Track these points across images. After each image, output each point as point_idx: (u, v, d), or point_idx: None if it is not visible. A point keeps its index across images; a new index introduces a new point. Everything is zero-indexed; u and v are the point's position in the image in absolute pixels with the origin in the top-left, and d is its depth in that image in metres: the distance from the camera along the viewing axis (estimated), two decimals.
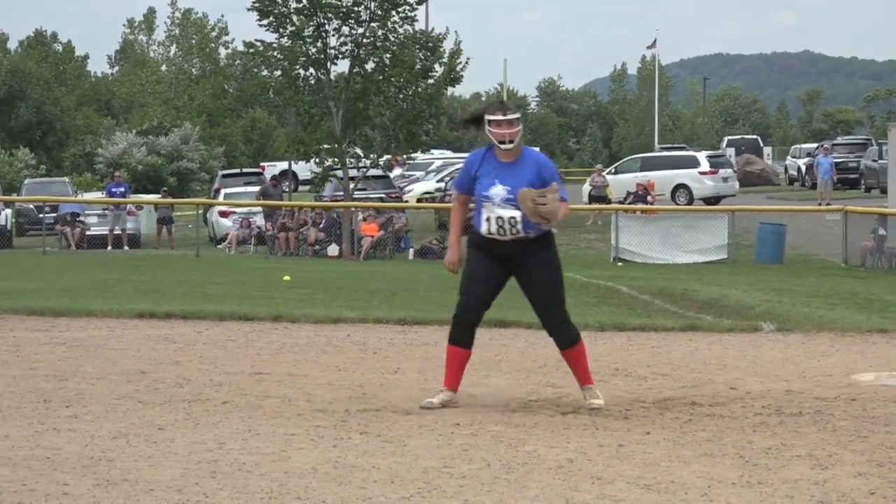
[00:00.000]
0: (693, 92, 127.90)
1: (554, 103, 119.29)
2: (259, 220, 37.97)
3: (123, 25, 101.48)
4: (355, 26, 36.51)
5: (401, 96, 36.89)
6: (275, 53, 36.58)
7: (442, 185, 49.03)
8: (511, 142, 9.60)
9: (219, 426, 8.83)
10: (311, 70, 36.82)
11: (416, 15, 37.20)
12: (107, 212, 39.27)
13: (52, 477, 7.25)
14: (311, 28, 36.43)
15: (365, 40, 36.45)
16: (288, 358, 12.43)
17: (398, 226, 36.25)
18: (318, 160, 37.42)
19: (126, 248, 38.00)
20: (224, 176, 50.39)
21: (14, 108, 73.09)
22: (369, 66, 37.02)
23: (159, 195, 46.87)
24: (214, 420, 9.07)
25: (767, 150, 79.06)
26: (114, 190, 40.03)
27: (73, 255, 35.45)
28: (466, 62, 37.59)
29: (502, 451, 8.06)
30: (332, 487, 7.07)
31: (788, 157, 71.38)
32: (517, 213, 9.54)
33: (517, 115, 9.70)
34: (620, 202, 41.50)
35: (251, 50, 37.39)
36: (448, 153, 70.49)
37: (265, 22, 36.43)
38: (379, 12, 36.32)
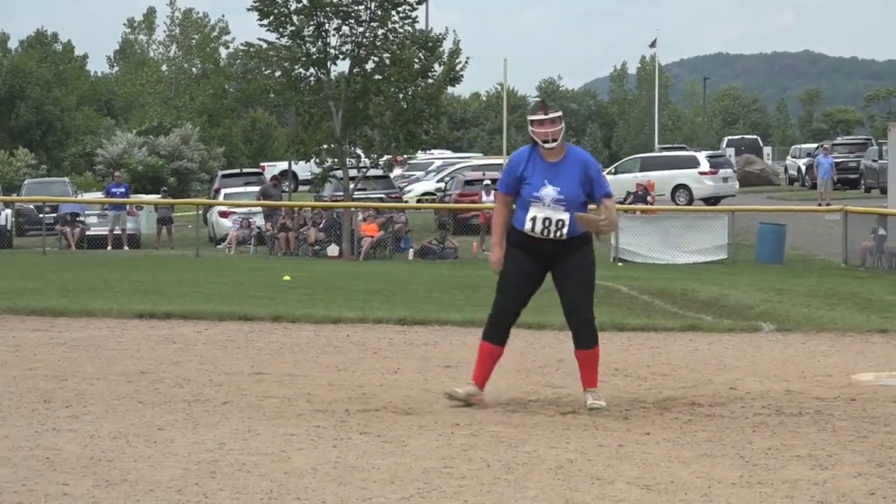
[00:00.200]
0: (693, 92, 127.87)
1: (554, 103, 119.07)
2: (259, 221, 37.97)
3: (123, 25, 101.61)
4: (355, 26, 36.51)
5: (400, 96, 36.88)
6: (275, 53, 36.55)
7: (442, 185, 49.07)
8: (554, 140, 9.62)
9: (219, 426, 8.84)
10: (312, 70, 36.81)
11: (416, 15, 37.24)
12: (107, 212, 39.26)
13: (51, 477, 7.25)
14: (311, 28, 36.42)
15: (365, 40, 36.45)
16: (288, 358, 12.44)
17: (398, 226, 36.25)
18: (318, 160, 37.41)
19: (126, 248, 37.98)
20: (224, 176, 50.39)
21: (14, 108, 73.09)
22: (369, 65, 37.02)
23: (159, 195, 46.86)
24: (214, 420, 9.07)
25: (767, 150, 79.07)
26: (113, 190, 40.01)
27: (73, 255, 35.44)
28: (466, 62, 37.60)
29: (502, 452, 8.06)
30: (331, 488, 7.07)
31: (788, 157, 71.37)
32: (566, 217, 9.57)
33: (559, 114, 9.71)
34: (620, 202, 41.50)
35: (252, 49, 37.35)
36: (448, 153, 70.54)
37: (265, 22, 36.42)
38: (379, 12, 36.32)
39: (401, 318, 15.77)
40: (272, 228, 36.57)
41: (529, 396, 10.21)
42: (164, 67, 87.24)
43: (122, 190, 40.31)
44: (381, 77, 36.62)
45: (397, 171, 51.36)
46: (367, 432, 8.67)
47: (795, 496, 6.96)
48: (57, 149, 72.89)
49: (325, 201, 40.73)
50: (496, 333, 9.90)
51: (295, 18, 36.41)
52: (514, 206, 9.90)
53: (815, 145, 67.05)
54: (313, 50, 36.51)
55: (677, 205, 44.71)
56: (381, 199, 40.62)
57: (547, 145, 9.64)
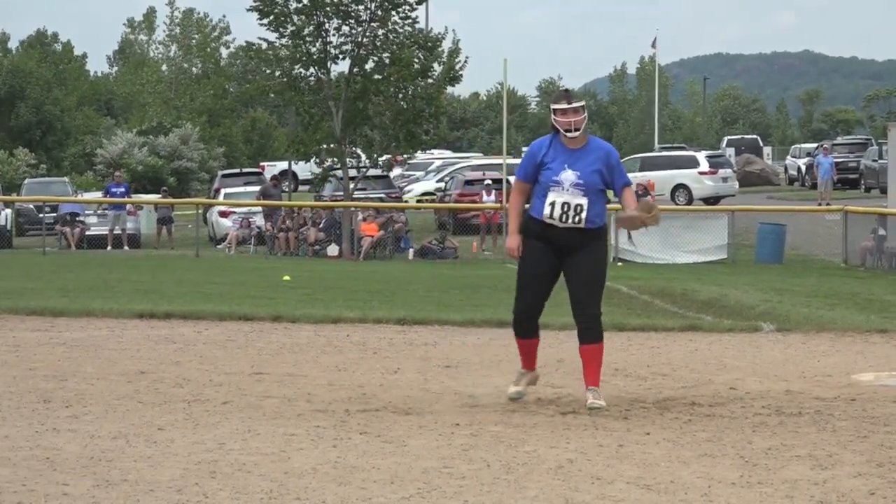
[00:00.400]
0: (693, 92, 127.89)
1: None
2: (259, 220, 37.97)
3: (123, 25, 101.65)
4: (355, 26, 36.51)
5: (400, 96, 36.88)
6: (273, 53, 36.55)
7: (442, 185, 49.07)
8: (577, 129, 9.69)
9: (219, 426, 8.84)
10: (312, 70, 36.82)
11: (416, 15, 37.25)
12: (107, 212, 39.26)
13: (51, 477, 7.25)
14: (311, 28, 36.42)
15: (365, 40, 36.45)
16: (288, 358, 12.44)
17: (398, 226, 36.26)
18: (318, 160, 37.42)
19: (126, 248, 37.98)
20: (224, 176, 50.40)
21: (14, 108, 73.09)
22: (369, 65, 37.01)
23: (159, 195, 46.86)
24: (214, 420, 9.07)
25: (767, 150, 79.06)
26: (113, 190, 40.01)
27: (73, 255, 35.45)
28: (465, 61, 37.61)
29: (502, 452, 8.06)
30: (331, 488, 7.07)
31: (788, 157, 71.37)
32: (584, 201, 9.62)
33: (582, 103, 9.78)
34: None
35: (252, 48, 37.33)
36: (448, 153, 70.54)
37: (265, 21, 36.42)
38: (379, 12, 36.32)
39: (401, 318, 15.77)
40: (272, 228, 36.58)
41: (529, 396, 10.20)
42: (164, 67, 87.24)
43: (122, 190, 40.31)
44: (380, 77, 36.62)
45: (397, 171, 51.35)
46: (367, 432, 8.67)
47: (795, 496, 6.96)
48: (57, 149, 72.89)
49: (325, 201, 40.73)
50: (526, 330, 10.01)
51: (295, 18, 36.41)
52: (530, 195, 9.93)
53: (814, 145, 67.05)
54: (313, 50, 36.52)
55: (677, 205, 44.71)
56: (381, 199, 40.62)
57: (570, 134, 9.71)
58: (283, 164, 54.05)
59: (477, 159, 58.47)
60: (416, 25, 37.53)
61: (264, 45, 36.72)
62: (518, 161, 46.82)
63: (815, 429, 8.92)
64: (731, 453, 8.07)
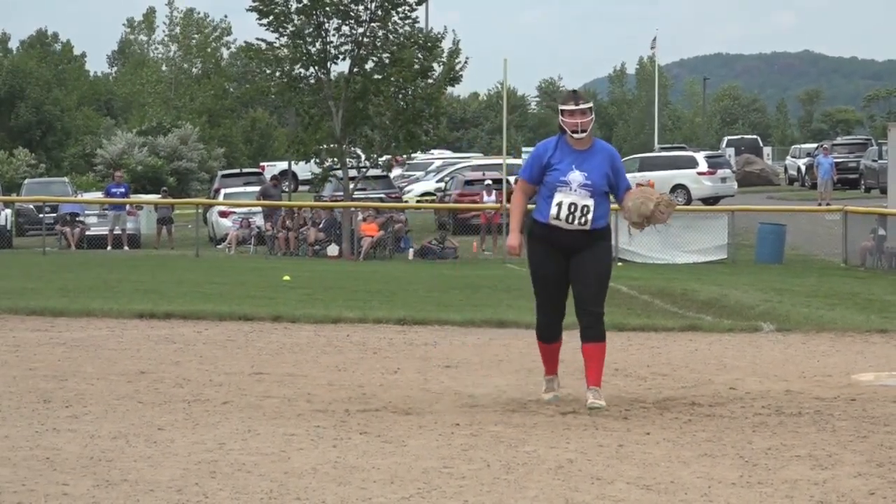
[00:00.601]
0: (693, 92, 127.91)
1: (554, 103, 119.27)
2: (259, 220, 37.97)
3: (123, 25, 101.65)
4: (355, 26, 36.51)
5: (400, 96, 36.87)
6: (276, 53, 36.55)
7: (441, 185, 49.07)
8: (583, 131, 9.73)
9: (219, 426, 8.84)
10: (312, 70, 36.81)
11: (416, 15, 37.24)
12: (107, 212, 39.25)
13: (51, 477, 7.25)
14: (311, 27, 36.42)
15: (365, 40, 36.45)
16: (288, 358, 12.44)
17: (398, 226, 36.25)
18: (318, 160, 37.41)
19: (126, 248, 37.97)
20: (224, 176, 50.41)
21: (14, 108, 73.10)
22: (369, 65, 37.01)
23: (159, 195, 46.86)
24: (214, 420, 9.08)
25: (767, 150, 79.05)
26: (113, 190, 40.01)
27: (73, 256, 35.45)
28: (465, 62, 37.60)
29: (502, 452, 8.06)
30: (331, 488, 7.07)
31: (788, 157, 71.37)
32: (591, 202, 9.66)
33: (589, 105, 9.82)
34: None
35: (252, 49, 37.31)
36: (448, 153, 70.55)
37: (265, 21, 36.42)
38: (379, 12, 36.32)
39: (401, 318, 15.77)
40: (272, 228, 36.58)
41: (529, 396, 10.21)
42: (164, 67, 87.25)
43: (122, 190, 40.31)
44: (380, 77, 36.62)
45: (397, 172, 51.35)
46: (367, 432, 8.67)
47: (795, 496, 6.96)
48: (57, 149, 72.91)
49: (325, 201, 40.73)
50: (550, 332, 10.06)
51: (295, 18, 36.41)
52: (534, 196, 9.96)
53: (814, 145, 67.04)
54: (313, 50, 36.52)
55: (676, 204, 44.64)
56: (380, 199, 40.61)
57: (576, 135, 9.75)
58: (283, 165, 54.04)
59: (477, 159, 58.49)
60: (416, 25, 37.54)
61: (263, 46, 36.71)
62: (518, 161, 46.84)
63: (815, 429, 8.92)
64: (731, 453, 8.07)
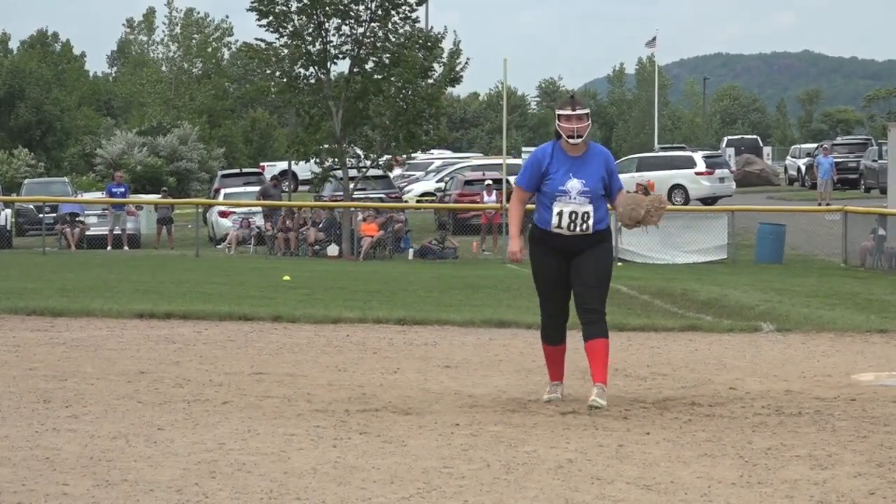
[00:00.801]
0: (692, 92, 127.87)
1: (554, 103, 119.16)
2: (259, 221, 37.98)
3: (123, 25, 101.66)
4: (355, 26, 36.52)
5: (400, 96, 36.87)
6: (274, 54, 36.54)
7: (441, 185, 49.07)
8: (580, 136, 9.75)
9: (218, 426, 8.84)
10: (311, 70, 36.81)
11: (416, 16, 37.23)
12: (106, 212, 39.26)
13: (51, 477, 7.25)
14: (310, 27, 36.41)
15: (365, 40, 36.45)
16: (287, 358, 12.44)
17: (398, 226, 36.25)
18: (318, 160, 37.41)
19: (126, 248, 37.98)
20: (224, 176, 50.41)
21: (14, 108, 73.11)
22: (369, 65, 37.01)
23: (159, 195, 46.87)
24: (214, 420, 9.08)
25: (767, 150, 79.05)
26: (114, 190, 40.02)
27: (73, 256, 35.45)
28: (466, 62, 37.59)
29: (502, 452, 8.06)
30: (331, 488, 7.07)
31: (788, 158, 71.37)
32: (590, 208, 9.72)
33: (586, 111, 9.83)
34: None
35: (252, 49, 37.29)
36: (448, 153, 70.53)
37: (264, 22, 36.42)
38: (379, 12, 36.32)
39: (400, 318, 15.77)
40: (272, 228, 36.58)
41: (529, 396, 10.21)
42: (163, 68, 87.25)
43: (122, 190, 40.32)
44: (381, 77, 36.61)
45: (397, 172, 51.35)
46: (366, 432, 8.67)
47: (795, 496, 6.96)
48: (56, 149, 72.91)
49: (325, 201, 40.73)
50: (555, 335, 10.04)
51: (295, 18, 36.40)
52: (530, 203, 9.99)
53: (814, 145, 67.04)
54: (314, 50, 36.51)
55: (674, 205, 44.69)
56: (380, 199, 40.61)
57: (572, 140, 9.77)
58: (283, 165, 54.04)
59: (477, 159, 58.50)
60: (417, 25, 37.53)
61: (262, 46, 36.69)
62: (518, 161, 46.75)
63: (814, 429, 8.92)
64: (731, 453, 8.07)
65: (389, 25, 36.49)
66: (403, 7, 36.52)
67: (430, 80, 36.98)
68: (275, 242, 36.32)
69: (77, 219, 39.01)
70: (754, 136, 78.28)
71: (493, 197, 37.36)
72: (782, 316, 16.87)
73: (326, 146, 36.83)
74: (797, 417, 9.37)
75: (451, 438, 8.48)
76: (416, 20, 37.25)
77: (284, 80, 36.93)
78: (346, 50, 36.58)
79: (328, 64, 36.78)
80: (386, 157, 39.57)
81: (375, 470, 7.50)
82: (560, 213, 9.73)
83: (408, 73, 36.03)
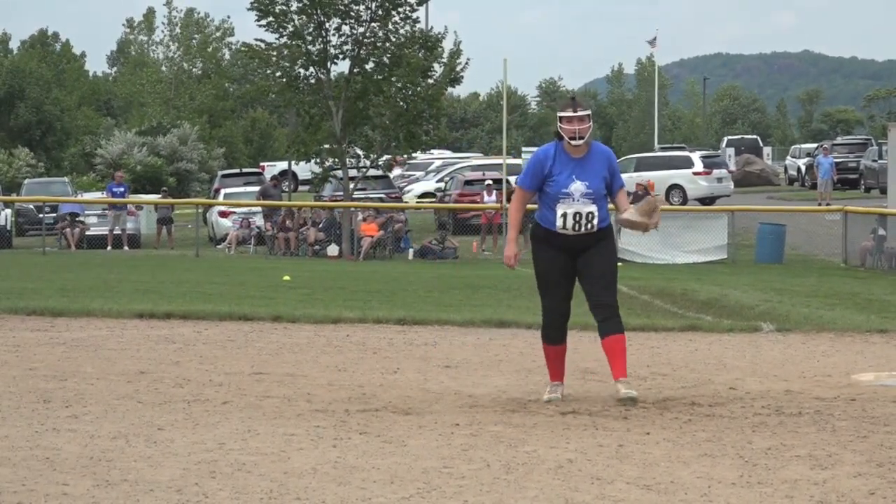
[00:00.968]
0: (693, 92, 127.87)
1: (554, 103, 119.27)
2: (259, 221, 37.98)
3: (123, 25, 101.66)
4: (356, 26, 36.51)
5: (400, 96, 36.86)
6: (274, 54, 36.54)
7: (441, 185, 49.07)
8: (581, 137, 9.80)
9: (218, 426, 8.84)
10: (312, 70, 36.80)
11: (417, 16, 37.23)
12: (107, 212, 39.26)
13: (51, 477, 7.25)
14: (310, 27, 36.41)
15: (366, 40, 36.45)
16: (287, 358, 12.44)
17: (398, 226, 36.25)
18: (318, 160, 37.41)
19: (126, 248, 37.99)
20: (224, 176, 50.42)
21: (14, 108, 73.12)
22: (369, 65, 37.00)
23: (159, 195, 46.88)
24: (214, 420, 9.08)
25: (767, 150, 79.06)
26: (114, 190, 40.03)
27: (73, 256, 35.44)
28: (466, 62, 37.58)
29: (502, 452, 8.06)
30: (331, 488, 7.07)
31: (788, 158, 71.37)
32: (595, 209, 9.79)
33: (588, 112, 9.87)
34: None
35: (252, 49, 37.28)
36: (448, 153, 70.54)
37: (264, 22, 36.42)
38: (380, 12, 36.31)
39: (400, 318, 15.77)
40: (272, 228, 36.59)
41: (529, 396, 10.21)
42: (163, 68, 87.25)
43: (122, 190, 40.32)
44: (381, 77, 36.61)
45: (397, 172, 51.36)
46: (366, 432, 8.67)
47: (795, 496, 6.96)
48: (56, 149, 72.92)
49: (325, 201, 40.73)
50: (555, 334, 10.04)
51: (295, 18, 36.40)
52: (532, 203, 10.04)
53: (814, 145, 67.04)
54: (314, 50, 36.51)
55: (671, 205, 44.68)
56: (380, 199, 40.62)
57: (574, 142, 9.81)
58: (283, 165, 54.04)
59: (477, 159, 58.52)
60: (417, 25, 37.54)
61: (262, 46, 36.68)
62: (518, 161, 46.64)
63: (814, 429, 8.92)
64: (731, 453, 8.07)
65: (390, 26, 36.49)
66: (404, 7, 36.52)
67: (431, 81, 36.98)
68: (275, 242, 36.32)
69: (77, 219, 39.01)
70: (754, 136, 78.25)
71: (493, 197, 37.36)
72: (782, 316, 16.87)
73: (327, 146, 36.83)
74: (797, 417, 9.37)
75: (451, 438, 8.48)
76: (416, 20, 37.28)
77: (284, 80, 36.92)
78: (347, 50, 36.58)
79: (328, 64, 36.77)
80: (386, 157, 39.57)
81: (375, 470, 7.50)
82: (564, 215, 9.78)
83: (408, 74, 36.03)
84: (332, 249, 35.00)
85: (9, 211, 40.41)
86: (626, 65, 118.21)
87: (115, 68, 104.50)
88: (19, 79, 73.76)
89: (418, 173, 56.20)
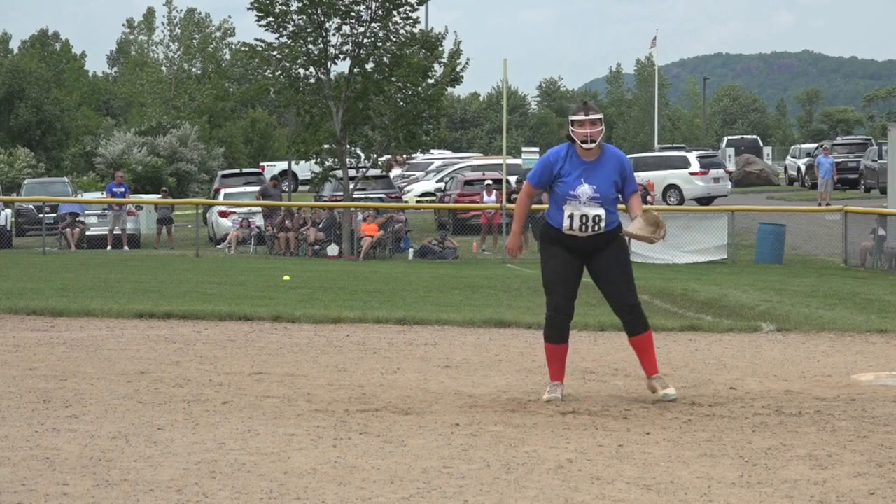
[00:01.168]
0: (693, 92, 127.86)
1: (554, 103, 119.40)
2: (259, 221, 37.99)
3: (123, 25, 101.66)
4: (356, 26, 36.51)
5: (400, 96, 36.86)
6: (274, 54, 36.55)
7: (441, 185, 49.07)
8: (593, 141, 9.87)
9: (218, 426, 8.84)
10: (312, 70, 36.81)
11: (417, 16, 37.22)
12: (107, 212, 39.26)
13: (51, 477, 7.25)
14: (310, 27, 36.40)
15: (366, 40, 36.45)
16: (287, 358, 12.44)
17: (398, 226, 36.25)
18: (318, 160, 37.41)
19: (126, 248, 38.00)
20: (224, 176, 50.43)
21: (13, 108, 73.11)
22: (369, 65, 37.01)
23: (159, 195, 46.88)
24: (214, 420, 9.08)
25: (767, 150, 79.08)
26: (114, 190, 40.02)
27: (73, 256, 35.44)
28: (466, 63, 37.58)
29: (502, 452, 8.06)
30: (331, 488, 7.07)
31: (788, 157, 71.38)
32: (602, 212, 9.85)
33: (599, 116, 9.96)
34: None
35: (250, 48, 37.28)
36: (448, 153, 70.54)
37: (264, 22, 36.42)
38: (380, 12, 36.31)
39: (400, 318, 15.76)
40: (272, 228, 36.58)
41: (529, 396, 10.21)
42: (163, 68, 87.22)
43: (123, 190, 40.31)
44: (382, 77, 36.61)
45: (397, 172, 51.36)
46: (366, 432, 8.67)
47: (795, 496, 6.96)
48: (56, 149, 72.91)
49: (325, 201, 40.73)
50: (558, 333, 10.06)
51: (295, 18, 36.39)
52: (538, 198, 10.10)
53: (814, 145, 67.03)
54: (314, 50, 36.50)
55: (668, 205, 44.66)
56: (380, 199, 40.61)
57: (585, 145, 9.88)
58: (283, 165, 54.05)
59: (477, 159, 58.53)
60: (418, 26, 37.54)
61: (261, 46, 36.68)
62: (518, 161, 46.55)
63: (814, 429, 8.92)
64: (731, 453, 8.07)
65: (390, 26, 36.49)
66: (404, 7, 36.52)
67: (431, 81, 36.97)
68: (275, 242, 36.32)
69: (77, 219, 39.01)
70: (754, 136, 78.25)
71: (493, 197, 37.35)
72: (782, 316, 16.86)
73: (327, 146, 36.84)
74: (797, 417, 9.37)
75: (451, 438, 8.48)
76: (416, 20, 37.27)
77: (283, 79, 36.90)
78: (347, 50, 36.58)
79: (328, 64, 36.77)
80: (386, 157, 39.56)
81: (375, 470, 7.50)
82: (571, 216, 9.86)
83: (408, 74, 36.03)
84: (332, 249, 35.00)
85: (9, 211, 40.40)
86: (627, 65, 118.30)
87: (114, 68, 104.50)
88: (19, 79, 73.75)
89: (418, 173, 56.20)
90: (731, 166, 62.80)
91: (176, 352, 12.81)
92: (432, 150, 63.99)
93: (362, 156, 38.17)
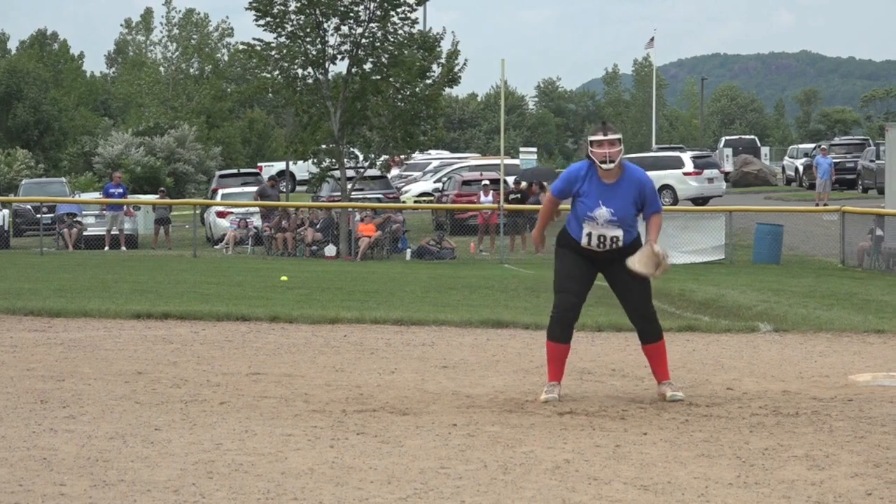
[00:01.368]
0: (690, 92, 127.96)
1: (552, 103, 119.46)
2: (256, 221, 37.98)
3: (121, 25, 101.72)
4: (354, 26, 36.51)
5: (398, 97, 36.87)
6: (272, 53, 36.55)
7: (439, 185, 49.07)
8: (612, 161, 9.88)
9: (216, 427, 8.84)
10: (310, 70, 36.80)
11: (416, 16, 37.22)
12: (104, 212, 39.24)
13: (48, 477, 7.25)
14: (309, 27, 36.40)
15: (364, 40, 36.45)
16: (285, 358, 12.44)
17: (395, 226, 36.25)
18: (315, 160, 37.41)
19: (123, 248, 37.98)
20: (221, 176, 50.41)
21: (11, 108, 73.11)
22: (367, 66, 37.00)
23: (157, 196, 46.85)
24: (211, 420, 9.08)
25: (765, 151, 79.10)
26: (112, 190, 40.00)
27: (71, 256, 35.43)
28: (464, 63, 37.59)
29: (499, 452, 8.06)
30: (328, 488, 7.07)
31: (786, 158, 71.39)
32: (620, 233, 9.92)
33: (618, 136, 9.96)
34: None
35: (249, 48, 37.27)
36: (445, 153, 70.58)
37: (262, 22, 36.41)
38: (378, 13, 36.31)
39: (398, 318, 15.77)
40: (269, 229, 36.58)
41: (527, 397, 10.21)
42: (161, 68, 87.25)
43: (121, 190, 40.29)
44: (380, 77, 36.61)
45: (395, 172, 51.36)
46: (364, 433, 8.67)
47: (792, 496, 6.96)
48: (54, 149, 72.90)
49: (323, 201, 40.72)
50: (562, 332, 10.09)
51: (294, 18, 36.38)
52: (561, 205, 10.26)
53: (812, 146, 67.05)
54: (312, 50, 36.50)
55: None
56: (378, 200, 40.61)
57: (604, 166, 9.90)
58: (281, 165, 54.02)
59: (474, 160, 58.54)
60: (416, 26, 37.53)
61: (260, 46, 36.67)
62: (515, 161, 46.67)
63: (812, 429, 8.92)
64: (728, 453, 8.07)
65: (388, 26, 36.48)
66: (402, 7, 36.51)
67: (429, 81, 36.97)
68: (272, 243, 36.32)
69: (74, 219, 38.99)
70: (752, 137, 78.27)
71: (490, 197, 37.36)
72: (780, 316, 16.87)
73: (324, 146, 36.83)
74: (794, 418, 9.37)
75: (449, 439, 8.48)
76: (415, 21, 37.27)
77: (281, 79, 36.90)
78: (345, 50, 36.58)
79: (326, 64, 36.77)
80: (383, 157, 39.56)
81: (373, 470, 7.50)
82: (589, 235, 9.95)
83: (406, 74, 36.03)
84: (330, 250, 34.99)
85: (6, 211, 40.38)
86: (625, 65, 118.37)
87: (113, 69, 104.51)
88: (17, 79, 73.73)
89: (416, 173, 56.21)
90: (728, 166, 62.81)
91: (173, 352, 12.81)
92: (430, 151, 64.01)
93: (360, 156, 38.15)
